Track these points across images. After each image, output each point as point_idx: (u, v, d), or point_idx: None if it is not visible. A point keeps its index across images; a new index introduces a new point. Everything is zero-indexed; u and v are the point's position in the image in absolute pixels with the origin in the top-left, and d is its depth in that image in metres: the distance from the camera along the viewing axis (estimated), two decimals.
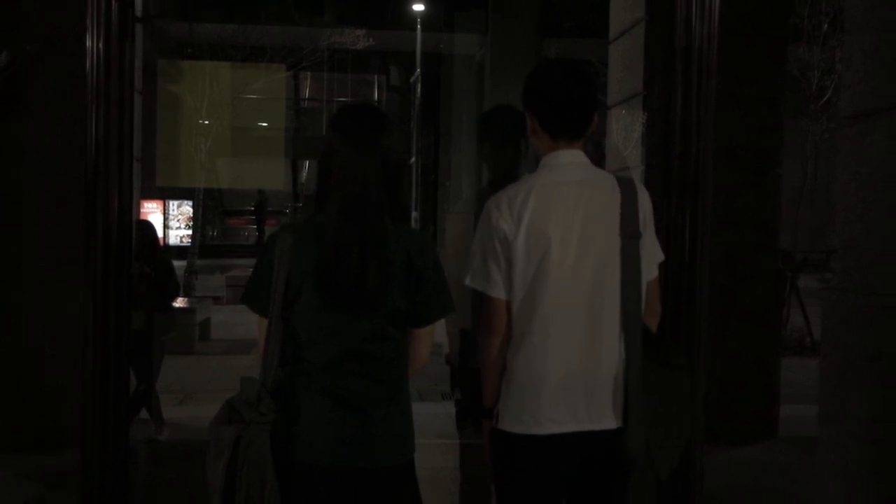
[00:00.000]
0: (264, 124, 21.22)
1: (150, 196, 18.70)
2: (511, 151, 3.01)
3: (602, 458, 2.16)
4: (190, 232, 17.77)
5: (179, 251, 17.83)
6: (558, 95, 2.19)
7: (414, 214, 19.49)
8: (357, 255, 1.95)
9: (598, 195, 2.14)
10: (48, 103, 4.41)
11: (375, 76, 27.81)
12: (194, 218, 16.28)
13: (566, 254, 2.09)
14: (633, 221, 2.14)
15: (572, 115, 2.20)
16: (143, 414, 4.98)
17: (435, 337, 2.18)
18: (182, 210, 20.75)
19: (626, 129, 5.16)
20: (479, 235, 2.20)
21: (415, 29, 20.62)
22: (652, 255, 2.22)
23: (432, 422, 5.01)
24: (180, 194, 20.16)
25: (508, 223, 2.11)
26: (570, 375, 2.10)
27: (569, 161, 2.19)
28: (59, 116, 4.40)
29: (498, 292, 2.15)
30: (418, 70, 20.73)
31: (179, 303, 8.82)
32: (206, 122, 15.22)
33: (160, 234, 17.44)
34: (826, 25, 9.83)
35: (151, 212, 19.28)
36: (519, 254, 2.11)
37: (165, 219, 20.27)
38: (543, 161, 2.22)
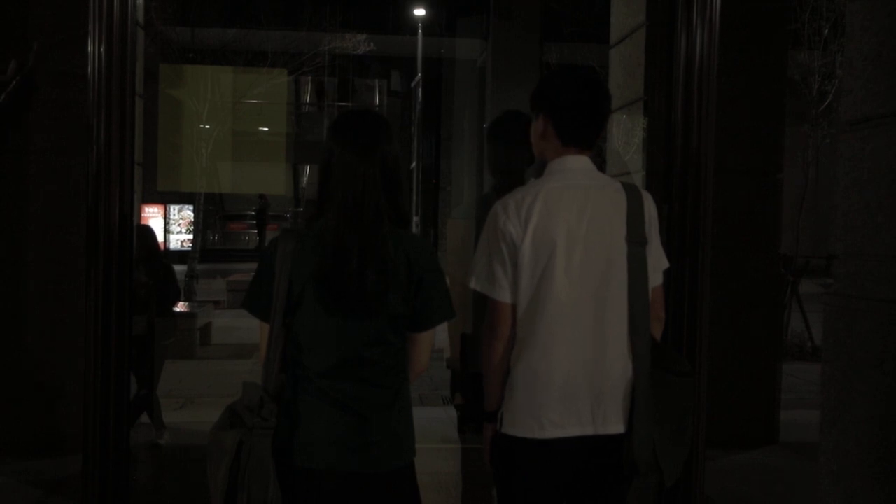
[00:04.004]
0: (265, 129, 21.24)
1: (152, 200, 18.73)
2: (519, 156, 3.01)
3: (605, 462, 2.15)
4: (191, 236, 17.76)
5: (180, 256, 17.83)
6: (578, 102, 2.19)
7: (415, 219, 19.48)
8: (357, 260, 1.95)
9: (604, 201, 2.14)
10: (51, 106, 4.41)
11: (377, 81, 27.84)
12: (195, 222, 16.25)
13: (572, 258, 2.09)
14: (640, 228, 2.14)
15: (589, 122, 2.20)
16: (144, 418, 4.98)
17: (436, 342, 2.18)
18: (183, 214, 20.78)
19: (626, 134, 5.16)
20: (484, 238, 2.19)
21: (416, 34, 20.67)
22: (657, 261, 2.22)
23: (434, 426, 5.00)
24: (181, 199, 20.18)
25: (516, 226, 2.11)
26: (575, 380, 2.10)
27: (576, 167, 2.19)
28: (61, 119, 4.40)
29: (503, 296, 2.14)
30: (419, 75, 20.76)
31: (180, 307, 8.82)
32: (208, 126, 15.22)
33: (161, 238, 17.47)
34: (827, 30, 9.83)
35: (152, 216, 19.31)
36: (525, 257, 2.10)
37: (166, 223, 20.29)
38: (550, 166, 2.22)
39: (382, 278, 1.96)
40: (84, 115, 3.18)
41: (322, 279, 1.96)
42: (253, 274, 2.10)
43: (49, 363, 4.41)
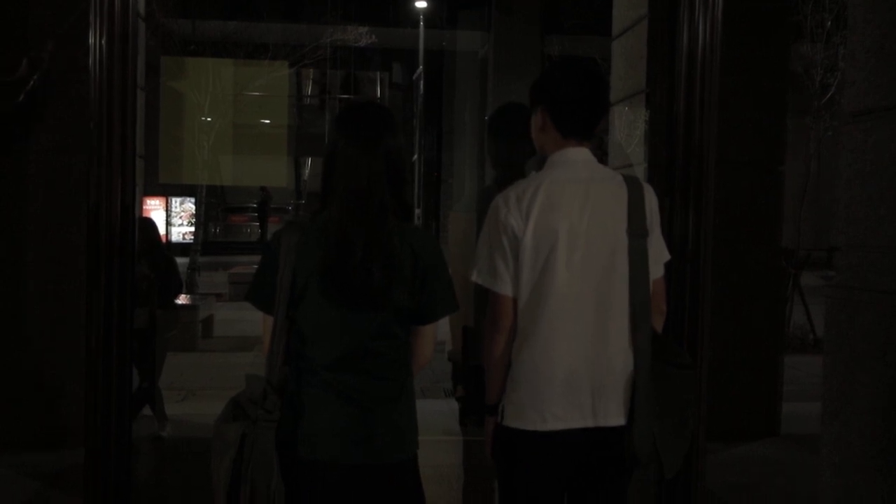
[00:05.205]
0: (267, 121, 21.21)
1: (153, 193, 18.71)
2: (520, 149, 3.00)
3: (606, 455, 2.16)
4: (192, 229, 17.77)
5: (182, 248, 17.83)
6: (576, 94, 2.19)
7: (416, 212, 19.46)
8: (362, 254, 1.95)
9: (605, 193, 2.14)
10: (55, 105, 4.40)
11: (378, 73, 27.79)
12: (197, 215, 16.28)
13: (573, 251, 2.09)
14: (641, 220, 2.14)
15: (587, 114, 2.21)
16: (146, 410, 4.99)
17: (438, 334, 2.18)
18: (184, 207, 20.75)
19: (628, 127, 5.15)
20: (486, 231, 2.19)
21: (417, 26, 20.61)
22: (658, 254, 2.22)
23: (435, 419, 5.01)
24: (183, 191, 20.17)
25: (517, 219, 2.11)
26: (577, 372, 2.10)
27: (577, 159, 2.19)
28: (64, 118, 4.39)
29: (505, 289, 2.14)
30: (421, 67, 20.70)
31: (182, 300, 8.83)
32: (209, 119, 15.20)
33: (162, 230, 17.46)
34: (829, 23, 9.81)
35: (154, 209, 19.28)
36: (527, 250, 2.10)
37: (168, 216, 20.26)
38: (551, 159, 2.22)
39: (388, 273, 1.96)
40: (85, 113, 3.17)
41: (326, 272, 1.97)
42: (256, 266, 2.10)
43: (49, 363, 4.39)
